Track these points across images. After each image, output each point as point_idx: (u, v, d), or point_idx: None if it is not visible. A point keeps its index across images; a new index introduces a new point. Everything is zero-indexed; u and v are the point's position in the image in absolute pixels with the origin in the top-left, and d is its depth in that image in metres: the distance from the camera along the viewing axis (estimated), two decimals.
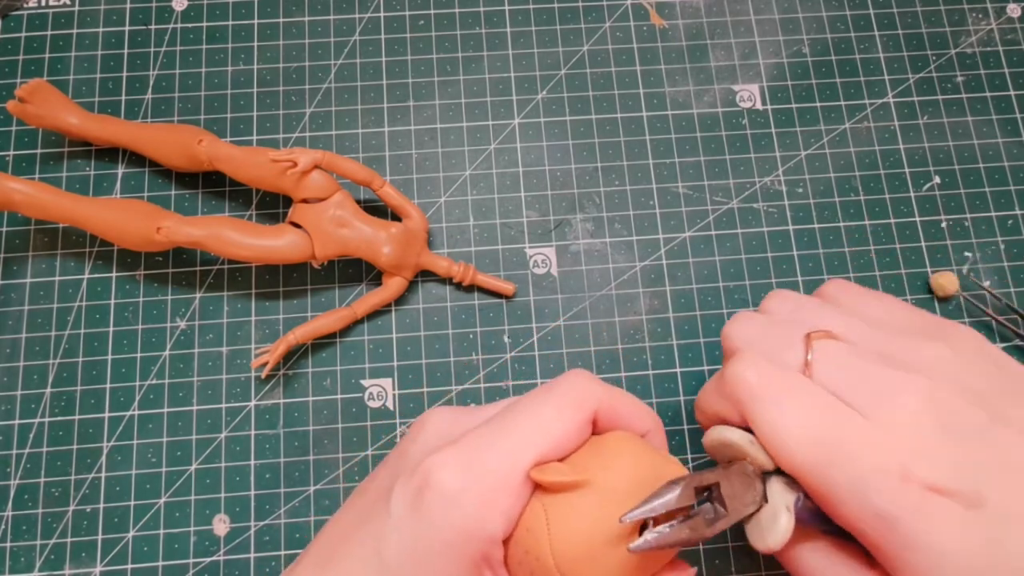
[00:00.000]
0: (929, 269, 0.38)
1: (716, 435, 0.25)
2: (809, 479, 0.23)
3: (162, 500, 0.35)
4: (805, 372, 0.24)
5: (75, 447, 0.35)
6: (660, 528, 0.22)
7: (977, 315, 0.37)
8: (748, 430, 0.24)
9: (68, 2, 0.41)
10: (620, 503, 0.22)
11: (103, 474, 0.35)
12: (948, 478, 0.21)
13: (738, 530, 0.34)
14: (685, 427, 0.36)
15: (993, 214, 0.39)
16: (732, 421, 0.25)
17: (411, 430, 0.26)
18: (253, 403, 0.36)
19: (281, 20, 0.41)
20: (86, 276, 0.37)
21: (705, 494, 0.23)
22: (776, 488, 0.24)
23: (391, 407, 0.36)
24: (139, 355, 0.36)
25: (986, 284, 0.38)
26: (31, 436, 0.35)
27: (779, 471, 0.24)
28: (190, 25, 0.41)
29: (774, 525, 0.23)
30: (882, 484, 0.21)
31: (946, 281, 0.37)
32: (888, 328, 0.25)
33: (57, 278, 0.37)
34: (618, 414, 0.25)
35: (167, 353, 0.36)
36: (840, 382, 0.24)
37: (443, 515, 0.22)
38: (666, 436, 0.27)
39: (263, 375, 0.35)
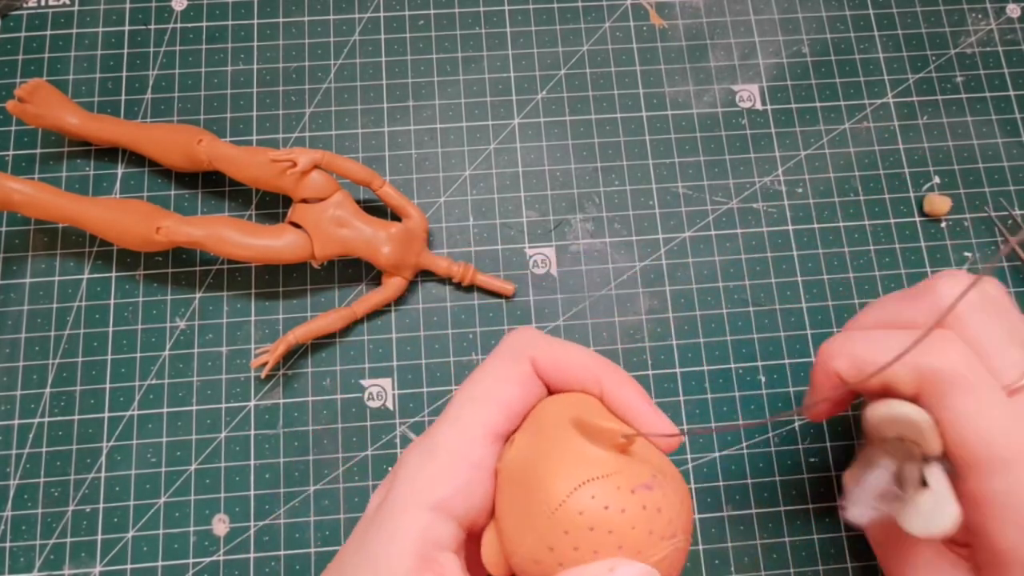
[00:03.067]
0: (929, 269, 0.38)
1: (897, 410, 0.24)
2: (995, 489, 0.22)
3: (162, 500, 0.34)
4: (1015, 390, 0.23)
5: (75, 447, 0.35)
6: (869, 491, 0.22)
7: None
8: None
9: (68, 2, 0.41)
10: (530, 476, 0.21)
11: (103, 474, 0.35)
12: None
13: (736, 529, 0.34)
14: (685, 426, 0.36)
15: (993, 214, 0.39)
16: (897, 394, 0.24)
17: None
18: (253, 403, 0.36)
19: (281, 20, 0.41)
20: (86, 276, 0.37)
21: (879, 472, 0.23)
22: (937, 475, 0.23)
23: (391, 407, 0.36)
24: (139, 355, 0.36)
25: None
26: (31, 436, 0.35)
27: (938, 459, 0.23)
28: (190, 25, 0.41)
29: (941, 512, 0.22)
30: None
31: (939, 202, 0.38)
32: None
33: (57, 278, 0.37)
34: (561, 367, 0.24)
35: (167, 353, 0.36)
36: None
37: (396, 504, 0.21)
38: (630, 380, 0.24)
39: (263, 375, 0.35)
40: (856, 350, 0.25)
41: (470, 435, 0.22)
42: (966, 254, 0.38)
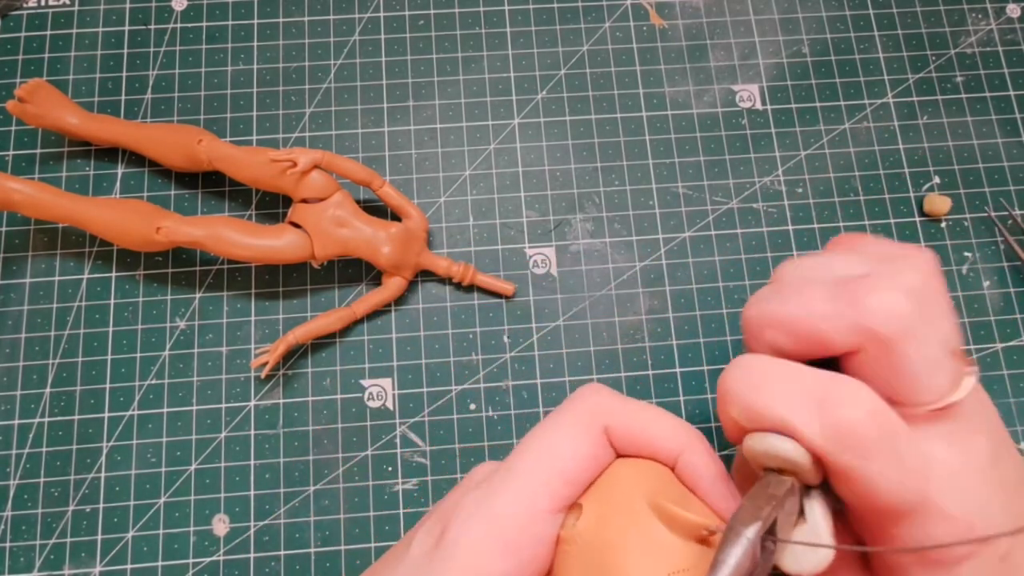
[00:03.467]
0: None
1: (776, 446, 0.21)
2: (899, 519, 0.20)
3: (162, 500, 0.34)
4: (943, 404, 0.20)
5: (75, 447, 0.35)
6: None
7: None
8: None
9: (68, 2, 0.41)
10: (603, 551, 0.20)
11: (103, 474, 0.35)
12: (993, 528, 0.20)
13: None
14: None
15: (993, 214, 0.39)
16: (778, 428, 0.21)
17: (455, 487, 0.25)
18: (253, 403, 0.36)
19: (281, 20, 0.41)
20: (86, 276, 0.37)
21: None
22: (816, 510, 0.21)
23: (391, 407, 0.36)
24: (139, 355, 0.36)
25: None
26: (31, 436, 0.35)
27: (821, 488, 0.21)
28: (190, 25, 0.41)
29: (815, 550, 0.20)
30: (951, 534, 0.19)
31: (939, 202, 0.38)
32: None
33: (57, 278, 0.37)
34: (633, 432, 0.22)
35: (167, 353, 0.36)
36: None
37: (455, 564, 0.21)
38: (712, 456, 0.22)
39: (263, 375, 0.35)
40: (749, 399, 0.21)
41: (537, 507, 0.21)
42: (966, 254, 0.38)
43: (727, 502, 0.22)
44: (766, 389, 0.21)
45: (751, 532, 0.18)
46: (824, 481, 0.21)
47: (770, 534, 0.19)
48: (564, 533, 0.22)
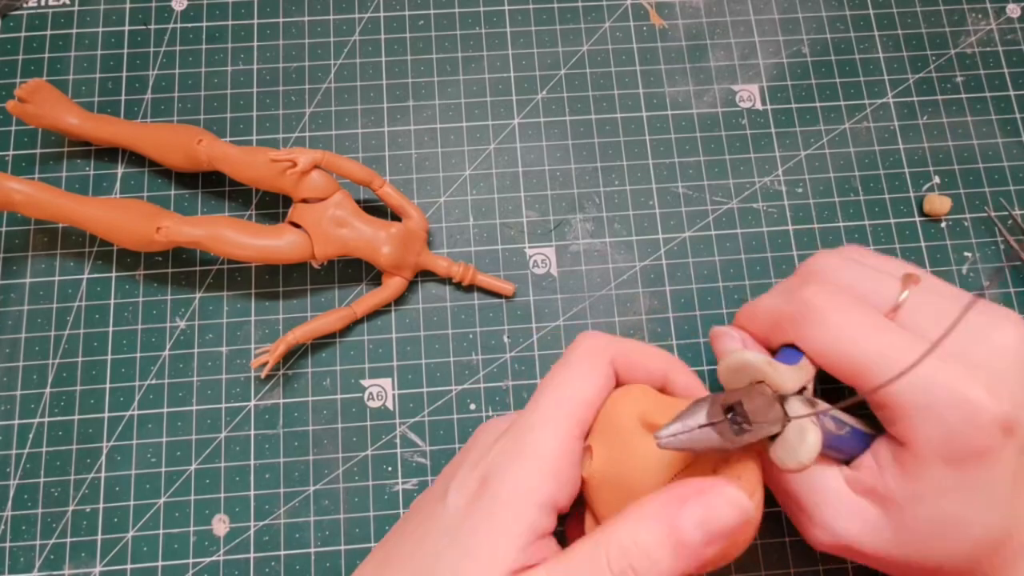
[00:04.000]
0: (929, 270, 0.38)
1: (736, 358, 0.25)
2: (889, 397, 0.24)
3: (161, 500, 0.34)
4: (893, 310, 0.26)
5: (75, 447, 0.35)
6: (689, 426, 0.22)
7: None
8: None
9: (68, 2, 0.41)
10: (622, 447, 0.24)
11: (102, 474, 0.35)
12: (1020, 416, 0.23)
13: None
14: None
15: (993, 214, 0.39)
16: (755, 346, 0.27)
17: (466, 444, 0.28)
18: (253, 403, 0.36)
19: (281, 20, 0.41)
20: (86, 276, 0.37)
21: (729, 414, 0.24)
22: (797, 407, 0.24)
23: (391, 407, 0.36)
24: (139, 355, 0.36)
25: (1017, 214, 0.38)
26: (30, 436, 0.35)
27: (795, 394, 0.25)
28: (190, 25, 0.41)
29: (803, 440, 0.23)
30: (958, 412, 0.23)
31: (939, 202, 0.38)
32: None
33: (57, 278, 0.37)
34: (631, 360, 0.26)
35: (167, 353, 0.36)
36: (929, 321, 0.25)
37: (500, 500, 0.23)
38: (692, 373, 0.28)
39: (263, 375, 0.35)
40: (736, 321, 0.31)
41: (566, 435, 0.24)
42: (966, 254, 0.38)
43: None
44: (747, 313, 0.30)
45: (705, 401, 0.23)
46: (801, 389, 0.25)
47: (744, 422, 0.23)
48: (584, 474, 0.25)
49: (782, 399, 0.24)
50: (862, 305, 0.26)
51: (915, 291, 0.26)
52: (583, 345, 0.26)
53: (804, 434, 0.23)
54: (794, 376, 0.25)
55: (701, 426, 0.22)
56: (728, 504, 0.21)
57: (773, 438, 0.24)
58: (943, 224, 0.39)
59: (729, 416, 0.23)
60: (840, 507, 0.26)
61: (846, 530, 0.26)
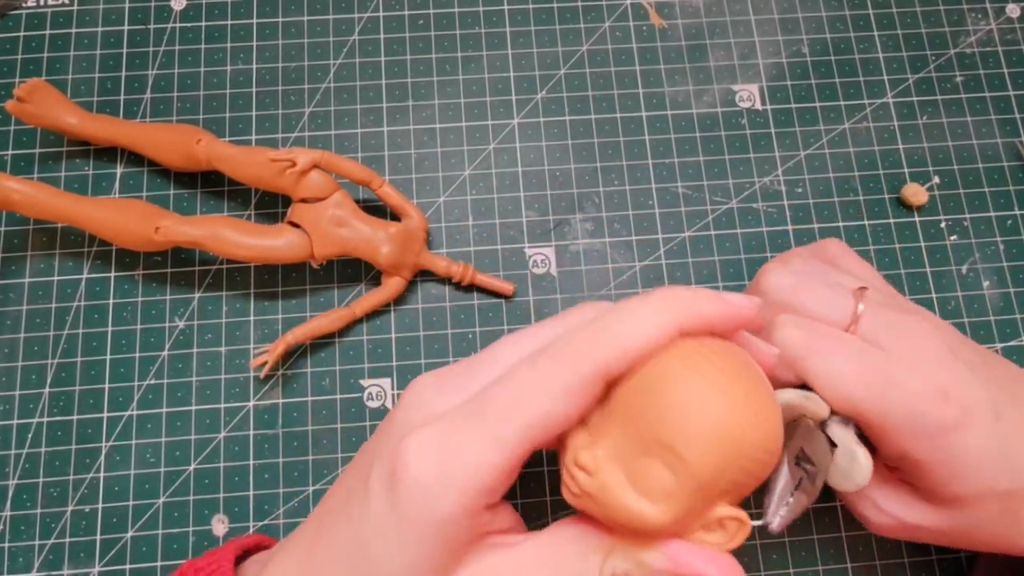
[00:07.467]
0: (929, 270, 0.38)
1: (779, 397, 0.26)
2: (868, 413, 0.25)
3: (161, 500, 0.34)
4: (852, 323, 0.27)
5: (74, 447, 0.35)
6: (785, 499, 0.23)
7: None
8: (799, 388, 0.26)
9: (67, 2, 0.41)
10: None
11: (102, 474, 0.35)
12: (975, 399, 0.25)
13: None
14: None
15: (992, 214, 0.39)
16: (781, 384, 0.27)
17: (400, 397, 0.25)
18: (252, 403, 0.36)
19: (280, 19, 0.41)
20: (85, 276, 0.37)
21: (797, 464, 0.25)
22: (837, 431, 0.25)
23: (390, 407, 0.36)
24: (138, 355, 0.36)
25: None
26: (29, 436, 0.35)
27: (831, 417, 0.25)
28: (189, 25, 0.41)
29: (855, 463, 0.25)
30: (928, 405, 0.25)
31: (911, 192, 0.38)
32: (876, 285, 0.29)
33: (56, 278, 0.37)
34: (701, 323, 0.23)
35: (166, 353, 0.36)
36: (876, 328, 0.27)
37: (415, 508, 0.21)
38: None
39: (262, 375, 0.35)
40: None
41: (508, 453, 0.21)
42: (966, 254, 0.38)
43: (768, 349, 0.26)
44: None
45: (783, 464, 0.24)
46: (832, 413, 0.25)
47: (808, 464, 0.24)
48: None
49: (822, 426, 0.25)
50: (837, 340, 0.27)
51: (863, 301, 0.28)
52: (653, 301, 0.22)
53: (854, 457, 0.25)
54: (821, 399, 0.26)
55: (793, 492, 0.23)
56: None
57: None
58: (943, 224, 0.39)
59: (798, 464, 0.24)
60: (898, 497, 0.28)
61: (907, 515, 0.27)
